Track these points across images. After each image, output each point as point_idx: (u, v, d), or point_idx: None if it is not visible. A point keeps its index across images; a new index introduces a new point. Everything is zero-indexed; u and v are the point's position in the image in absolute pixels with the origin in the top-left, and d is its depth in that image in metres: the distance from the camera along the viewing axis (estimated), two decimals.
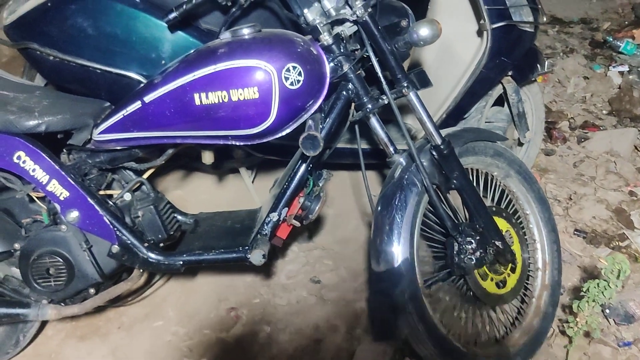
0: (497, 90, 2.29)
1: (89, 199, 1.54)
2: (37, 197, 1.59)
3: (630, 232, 2.38)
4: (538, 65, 2.37)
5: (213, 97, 1.37)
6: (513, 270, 1.73)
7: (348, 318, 1.99)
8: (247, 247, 1.59)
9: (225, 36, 1.42)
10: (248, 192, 2.43)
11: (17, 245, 1.60)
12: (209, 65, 1.36)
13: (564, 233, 2.39)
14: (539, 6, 2.12)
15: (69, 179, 1.53)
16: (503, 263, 1.69)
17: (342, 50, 1.45)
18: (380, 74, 1.48)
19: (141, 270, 1.68)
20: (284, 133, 1.43)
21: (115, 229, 1.56)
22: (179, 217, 1.83)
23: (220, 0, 1.49)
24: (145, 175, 1.70)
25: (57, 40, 1.68)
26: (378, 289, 1.69)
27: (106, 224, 1.56)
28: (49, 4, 1.65)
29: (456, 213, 1.62)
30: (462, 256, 1.60)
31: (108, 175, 1.70)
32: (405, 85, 1.49)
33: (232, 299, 2.08)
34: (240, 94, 1.35)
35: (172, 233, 1.69)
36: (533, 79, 2.43)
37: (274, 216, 1.59)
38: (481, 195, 1.68)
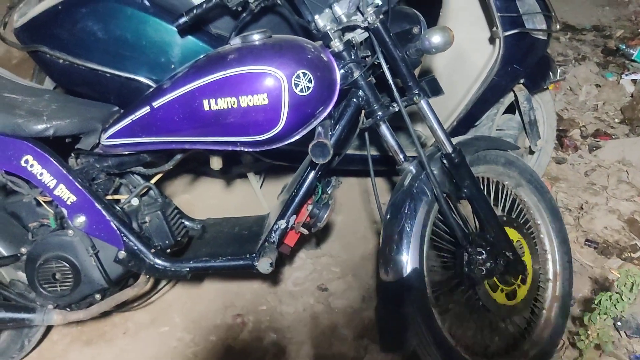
0: (509, 98, 2.27)
1: (96, 204, 1.54)
2: (44, 201, 1.58)
3: None
4: (550, 73, 2.34)
5: (222, 103, 1.36)
6: (524, 281, 1.71)
7: (355, 327, 1.97)
8: (254, 255, 1.58)
9: (236, 42, 1.41)
10: (256, 197, 2.42)
11: (23, 250, 1.60)
12: (219, 71, 1.35)
13: (575, 243, 2.36)
14: (552, 14, 2.09)
15: (76, 183, 1.52)
16: (513, 274, 1.68)
17: (352, 57, 1.44)
18: (391, 82, 1.47)
19: (147, 276, 1.67)
20: (293, 140, 1.42)
21: (122, 234, 1.56)
22: (187, 223, 1.83)
23: (230, 5, 1.47)
24: (153, 181, 1.70)
25: (67, 44, 1.68)
26: (386, 298, 1.68)
27: (113, 229, 1.55)
28: (60, 7, 1.65)
29: (466, 223, 1.60)
30: (472, 267, 1.58)
31: (116, 180, 1.69)
32: (417, 92, 1.48)
33: (238, 306, 2.07)
34: (250, 100, 1.34)
35: (179, 239, 1.68)
36: (545, 86, 2.40)
37: (282, 223, 1.57)
38: (492, 204, 1.65)
